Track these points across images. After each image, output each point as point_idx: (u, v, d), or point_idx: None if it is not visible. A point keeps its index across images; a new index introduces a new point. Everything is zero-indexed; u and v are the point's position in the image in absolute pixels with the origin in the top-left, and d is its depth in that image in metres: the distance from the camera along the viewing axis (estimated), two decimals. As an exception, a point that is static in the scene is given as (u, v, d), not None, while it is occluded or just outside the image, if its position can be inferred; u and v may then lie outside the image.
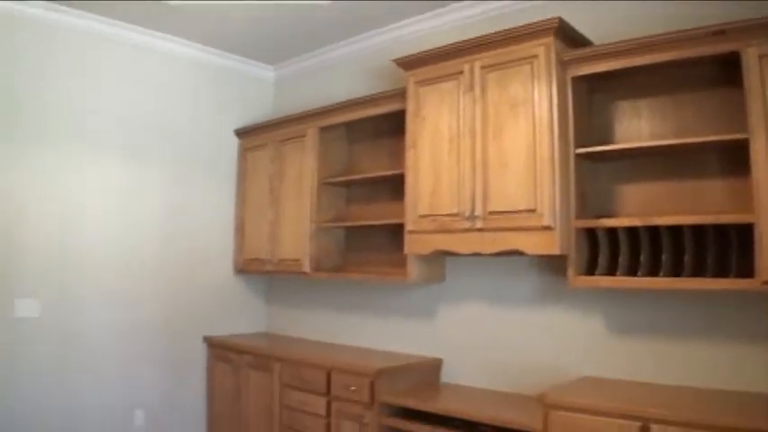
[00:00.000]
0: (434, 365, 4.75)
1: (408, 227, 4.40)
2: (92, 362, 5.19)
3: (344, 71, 5.92)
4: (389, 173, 4.89)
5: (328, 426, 4.63)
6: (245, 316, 6.37)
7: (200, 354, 5.97)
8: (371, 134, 5.44)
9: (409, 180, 4.44)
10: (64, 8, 5.03)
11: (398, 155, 4.82)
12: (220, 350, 5.82)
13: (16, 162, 4.84)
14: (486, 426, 3.71)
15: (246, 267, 6.11)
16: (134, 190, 5.54)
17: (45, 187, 4.98)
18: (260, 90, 6.67)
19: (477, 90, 4.05)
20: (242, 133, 6.28)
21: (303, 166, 5.49)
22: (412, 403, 4.15)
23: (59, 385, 4.97)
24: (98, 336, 5.23)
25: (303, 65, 6.38)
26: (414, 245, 4.38)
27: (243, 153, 6.27)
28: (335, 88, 5.84)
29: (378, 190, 5.33)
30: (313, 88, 6.19)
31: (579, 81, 3.80)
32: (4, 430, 4.61)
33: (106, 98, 5.39)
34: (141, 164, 5.60)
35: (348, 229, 5.53)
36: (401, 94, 4.63)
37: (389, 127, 5.07)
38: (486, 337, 4.52)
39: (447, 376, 4.73)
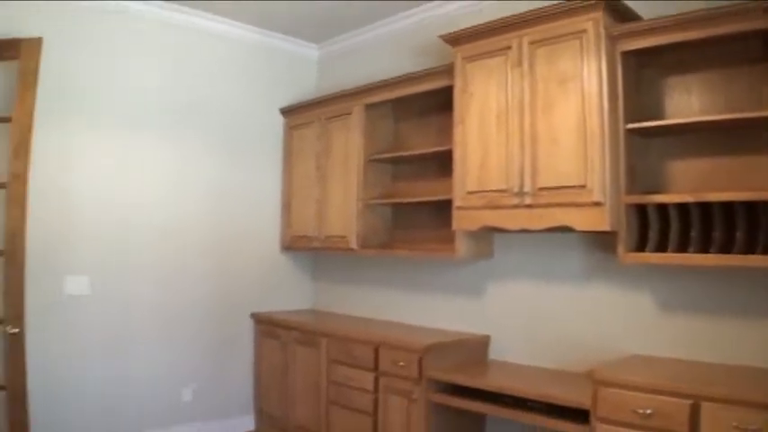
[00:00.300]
0: (482, 342, 4.76)
1: (456, 203, 4.39)
2: (141, 339, 5.30)
3: (388, 49, 5.91)
4: (436, 149, 4.87)
5: (376, 401, 4.67)
6: (291, 293, 6.44)
7: (247, 330, 6.06)
8: (417, 111, 5.42)
9: (457, 156, 4.42)
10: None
11: (445, 131, 4.80)
12: (268, 326, 5.90)
13: (69, 143, 4.93)
14: (535, 402, 3.71)
15: (293, 244, 6.16)
16: (182, 169, 5.63)
17: (96, 168, 5.08)
18: (304, 69, 6.68)
19: (526, 65, 4.01)
20: (287, 111, 6.31)
21: (349, 144, 5.51)
22: (461, 379, 4.17)
23: (109, 362, 5.09)
24: (147, 313, 5.35)
25: (347, 43, 6.38)
26: (462, 221, 4.37)
27: (289, 131, 6.30)
28: (379, 66, 5.83)
29: (424, 167, 5.32)
30: (357, 66, 6.20)
31: (628, 56, 3.74)
32: (54, 406, 4.73)
33: (153, 79, 5.46)
34: (188, 143, 5.68)
35: (395, 206, 5.54)
36: (448, 70, 4.60)
37: (436, 104, 5.05)
38: (535, 314, 4.52)
39: (495, 353, 4.74)
